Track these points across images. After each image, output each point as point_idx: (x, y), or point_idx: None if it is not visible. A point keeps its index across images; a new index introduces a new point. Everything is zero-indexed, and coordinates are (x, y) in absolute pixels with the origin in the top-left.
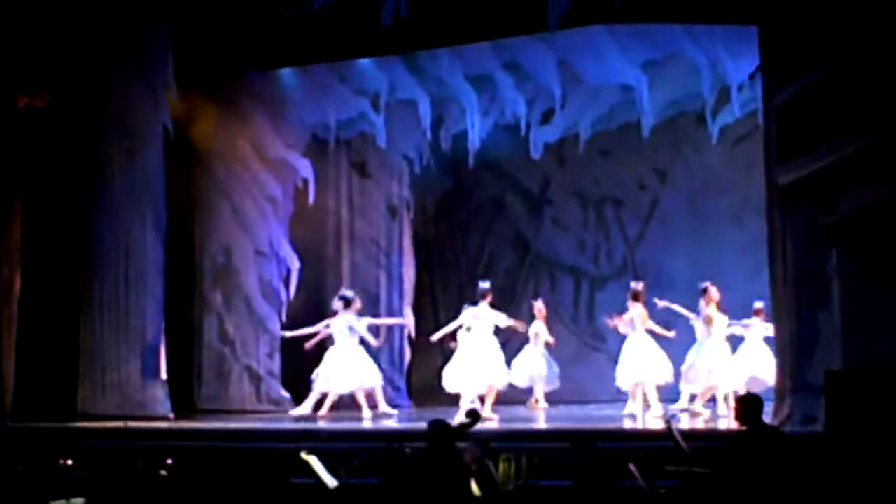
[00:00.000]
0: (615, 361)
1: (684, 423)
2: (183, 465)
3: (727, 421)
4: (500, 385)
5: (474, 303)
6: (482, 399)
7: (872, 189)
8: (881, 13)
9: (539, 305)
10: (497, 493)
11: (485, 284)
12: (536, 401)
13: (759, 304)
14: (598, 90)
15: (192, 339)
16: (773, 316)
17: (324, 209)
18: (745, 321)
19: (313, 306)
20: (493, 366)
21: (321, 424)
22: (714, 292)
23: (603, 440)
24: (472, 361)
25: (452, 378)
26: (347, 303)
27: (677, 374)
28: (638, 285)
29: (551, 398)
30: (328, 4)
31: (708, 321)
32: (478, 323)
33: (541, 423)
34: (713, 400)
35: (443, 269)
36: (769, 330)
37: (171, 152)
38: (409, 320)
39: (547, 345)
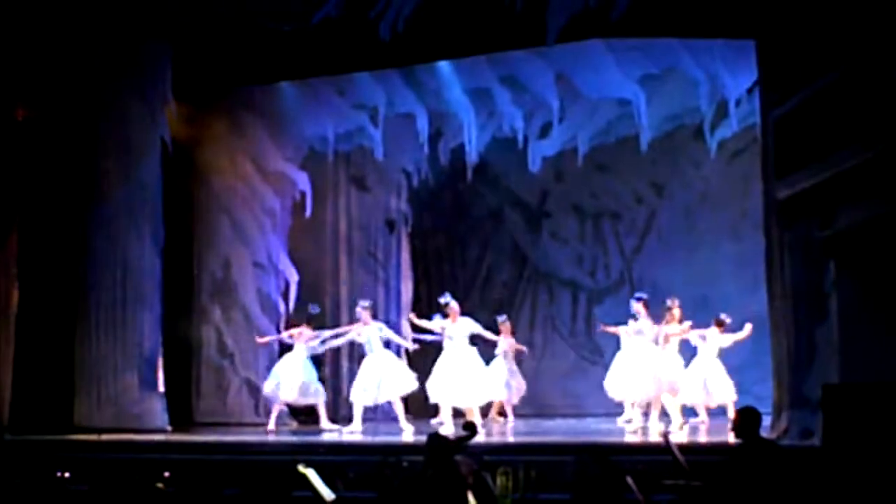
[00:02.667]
0: None
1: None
2: (180, 477)
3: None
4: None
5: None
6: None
7: (869, 204)
8: (878, 29)
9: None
10: None
11: (444, 299)
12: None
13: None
14: (596, 104)
15: (190, 353)
16: (771, 330)
17: (322, 222)
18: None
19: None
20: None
21: (319, 438)
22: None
23: (606, 454)
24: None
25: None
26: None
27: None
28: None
29: (548, 412)
30: (327, 19)
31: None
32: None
33: (541, 437)
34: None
35: (441, 283)
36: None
37: (169, 166)
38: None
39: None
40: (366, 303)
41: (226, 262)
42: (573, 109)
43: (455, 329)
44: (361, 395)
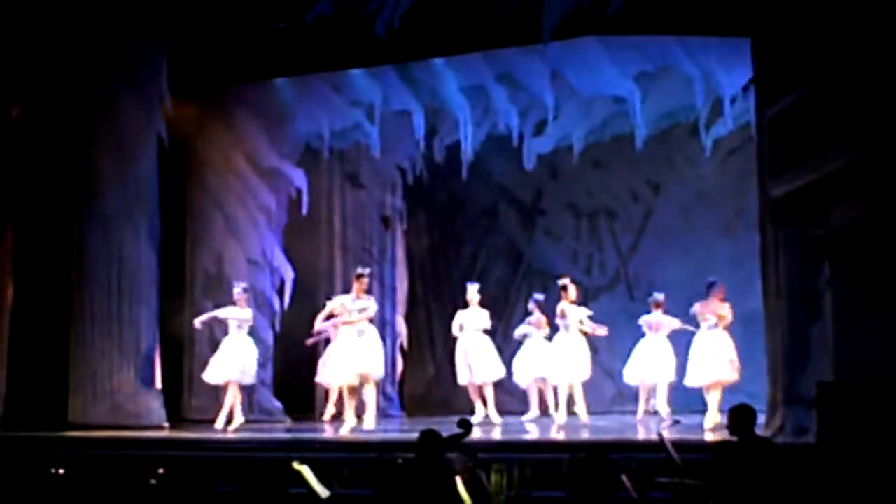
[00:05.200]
0: (606, 373)
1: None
2: (174, 474)
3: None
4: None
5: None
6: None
7: (862, 203)
8: (873, 28)
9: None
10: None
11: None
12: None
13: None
14: (592, 102)
15: (182, 349)
16: (766, 328)
17: (316, 219)
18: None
19: (305, 316)
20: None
21: (313, 434)
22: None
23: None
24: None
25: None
26: None
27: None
28: (565, 280)
29: (542, 408)
30: (322, 15)
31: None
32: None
33: (536, 434)
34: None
35: (435, 280)
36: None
37: (164, 162)
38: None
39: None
40: (244, 285)
41: (219, 258)
42: (568, 107)
43: (353, 306)
44: (210, 374)
